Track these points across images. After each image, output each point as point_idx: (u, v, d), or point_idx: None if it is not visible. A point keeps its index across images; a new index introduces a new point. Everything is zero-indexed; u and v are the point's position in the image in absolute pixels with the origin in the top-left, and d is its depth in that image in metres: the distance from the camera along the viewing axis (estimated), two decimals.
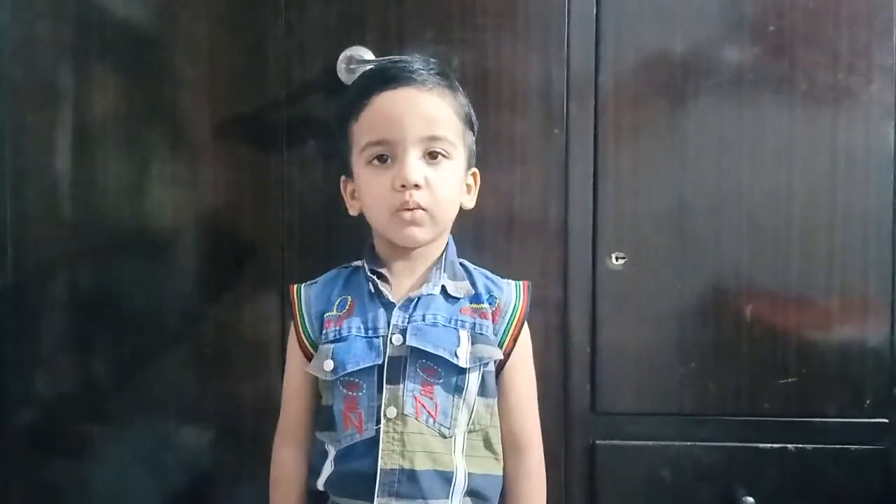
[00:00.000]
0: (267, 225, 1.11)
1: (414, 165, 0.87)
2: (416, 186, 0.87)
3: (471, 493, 0.88)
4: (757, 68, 1.09)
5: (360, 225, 0.99)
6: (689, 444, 1.09)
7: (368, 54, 1.08)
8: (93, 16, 1.12)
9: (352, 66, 1.08)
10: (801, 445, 1.09)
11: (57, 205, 1.13)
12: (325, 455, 0.90)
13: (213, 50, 1.11)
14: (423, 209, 0.88)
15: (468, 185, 0.95)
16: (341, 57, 1.08)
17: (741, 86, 1.09)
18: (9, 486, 1.15)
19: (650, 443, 1.10)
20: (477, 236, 1.07)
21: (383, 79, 0.89)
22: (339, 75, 1.08)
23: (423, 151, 0.88)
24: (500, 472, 0.91)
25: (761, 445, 1.09)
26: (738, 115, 1.09)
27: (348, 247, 1.06)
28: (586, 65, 1.09)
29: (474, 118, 0.95)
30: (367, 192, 0.91)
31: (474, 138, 0.95)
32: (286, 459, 0.94)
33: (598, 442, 1.10)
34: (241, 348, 1.12)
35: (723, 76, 1.09)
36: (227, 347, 1.12)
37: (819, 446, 1.09)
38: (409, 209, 0.87)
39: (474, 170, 0.96)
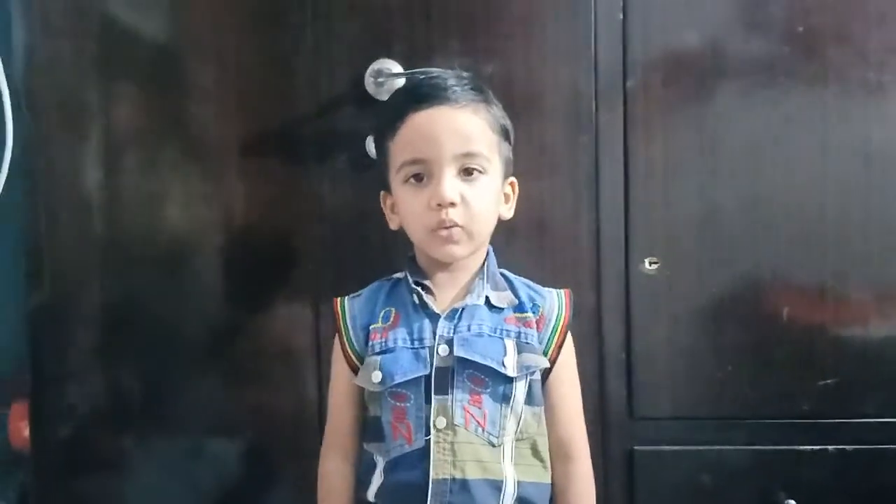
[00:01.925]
0: (298, 238, 1.12)
1: (449, 184, 0.88)
2: (452, 204, 0.88)
3: (520, 501, 0.88)
4: (787, 68, 1.08)
5: (391, 237, 1.00)
6: (727, 447, 1.09)
7: (396, 67, 1.08)
8: (121, 33, 1.13)
9: (380, 80, 1.08)
10: (841, 447, 1.08)
11: (90, 221, 1.14)
12: (373, 466, 0.91)
13: (240, 64, 1.12)
14: (460, 226, 0.88)
15: (506, 195, 0.95)
16: (369, 70, 1.08)
17: (772, 86, 1.08)
18: (48, 500, 1.16)
19: (689, 447, 1.09)
20: (509, 245, 1.06)
21: (417, 97, 0.90)
22: (368, 88, 1.08)
23: (459, 168, 0.89)
24: (549, 480, 0.92)
25: (801, 447, 1.08)
26: (769, 115, 1.08)
27: (379, 259, 1.07)
28: (614, 70, 1.09)
29: (510, 128, 0.95)
30: (405, 210, 0.92)
31: (510, 148, 0.95)
32: (334, 471, 0.94)
33: (636, 448, 1.10)
34: (273, 361, 1.13)
35: (752, 77, 1.08)
36: (260, 360, 1.13)
37: (859, 447, 1.08)
38: (445, 227, 0.88)
39: (512, 179, 0.96)
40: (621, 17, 1.08)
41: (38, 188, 1.14)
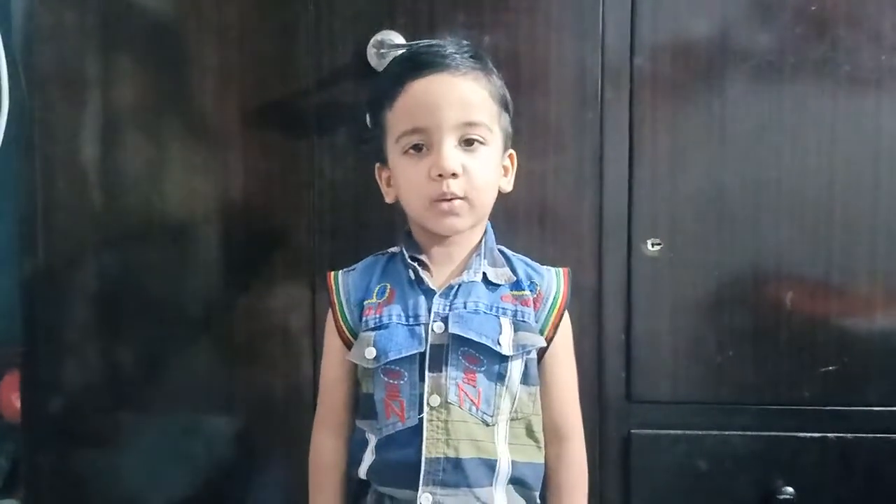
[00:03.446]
0: (297, 212, 1.11)
1: (450, 154, 0.86)
2: (454, 175, 0.86)
3: (514, 480, 0.88)
4: (797, 50, 1.06)
5: (391, 212, 0.98)
6: (726, 433, 1.08)
7: (399, 39, 1.06)
8: (120, 4, 1.12)
9: (382, 51, 1.06)
10: (841, 434, 1.07)
11: (85, 193, 1.13)
12: (365, 443, 0.90)
13: (242, 37, 1.10)
14: (461, 198, 0.87)
15: (505, 168, 0.94)
16: (372, 42, 1.07)
17: (781, 68, 1.06)
18: (39, 474, 1.15)
19: (687, 432, 1.08)
20: (510, 222, 1.05)
21: (416, 65, 0.88)
22: (370, 60, 1.07)
23: (459, 138, 0.87)
24: (543, 461, 0.91)
25: (801, 435, 1.07)
26: (777, 98, 1.07)
27: (379, 234, 1.06)
28: (621, 47, 1.07)
29: (509, 99, 0.93)
30: (403, 182, 0.90)
31: (510, 119, 0.93)
32: (325, 446, 0.94)
33: (633, 431, 1.09)
34: (271, 336, 1.12)
35: (762, 58, 1.07)
36: (257, 335, 1.12)
37: (860, 435, 1.07)
38: (446, 199, 0.86)
39: (511, 151, 0.94)
40: None
41: (34, 159, 1.12)
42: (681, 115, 1.08)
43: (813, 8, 1.06)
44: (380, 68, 1.06)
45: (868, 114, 1.07)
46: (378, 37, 1.07)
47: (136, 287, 1.13)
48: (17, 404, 1.24)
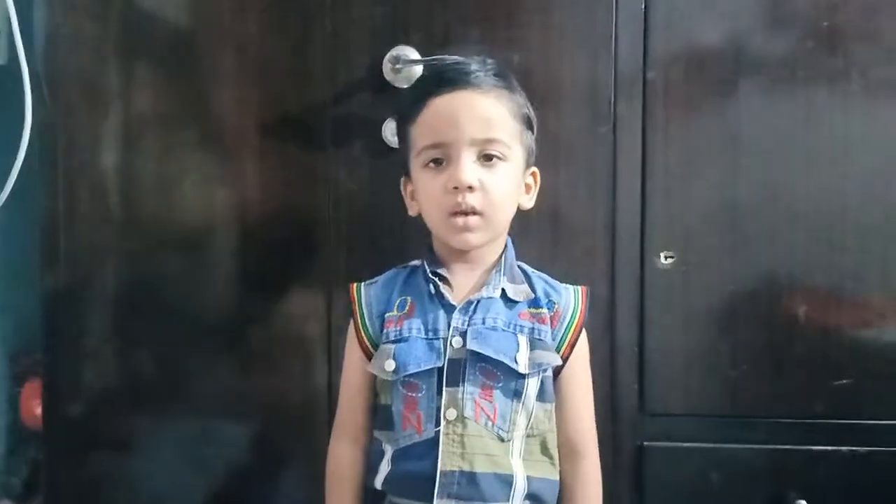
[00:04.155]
0: (313, 224, 1.12)
1: (468, 167, 0.87)
2: (470, 189, 0.87)
3: (530, 497, 0.88)
4: (810, 63, 1.07)
5: (406, 223, 0.99)
6: (740, 446, 1.08)
7: (414, 54, 1.08)
8: (141, 15, 1.13)
9: (398, 66, 1.08)
10: (855, 448, 1.07)
11: (105, 203, 1.14)
12: (381, 454, 0.91)
13: (259, 49, 1.12)
14: (477, 213, 0.88)
15: (527, 185, 0.94)
16: (387, 57, 1.08)
17: (794, 81, 1.07)
18: (60, 480, 1.16)
19: (700, 445, 1.08)
20: (523, 235, 1.05)
21: (440, 81, 0.89)
22: (385, 75, 1.08)
23: (478, 154, 0.88)
24: (558, 477, 0.91)
25: (814, 448, 1.07)
26: (790, 111, 1.07)
27: (394, 245, 1.07)
28: (634, 61, 1.07)
29: (533, 117, 0.94)
30: (423, 195, 0.91)
31: (534, 137, 0.94)
32: (343, 455, 0.94)
33: (646, 444, 1.09)
34: (286, 345, 1.13)
35: (775, 72, 1.07)
36: (274, 344, 1.13)
37: (874, 449, 1.07)
38: (462, 213, 0.87)
39: (534, 169, 0.95)
40: (643, 7, 1.07)
41: (56, 168, 1.14)
42: (693, 129, 1.08)
43: (825, 23, 1.06)
44: (395, 83, 1.08)
45: (882, 126, 1.07)
46: (394, 52, 1.08)
47: (155, 295, 1.14)
48: (38, 411, 1.26)
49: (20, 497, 1.35)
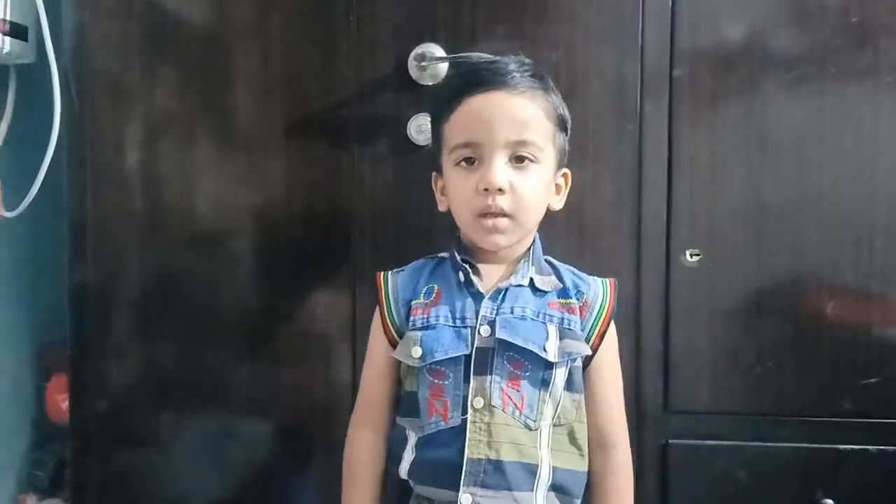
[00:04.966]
0: (338, 220, 1.12)
1: (499, 169, 0.87)
2: (500, 191, 0.87)
3: (555, 487, 0.88)
4: (838, 59, 1.06)
5: (431, 220, 1.00)
6: (766, 444, 1.08)
7: (440, 51, 1.08)
8: (167, 15, 1.14)
9: (423, 64, 1.08)
10: (882, 447, 1.06)
11: (134, 199, 1.15)
12: (404, 441, 0.91)
13: (284, 47, 1.12)
14: (507, 214, 0.88)
15: (558, 186, 0.95)
16: (413, 54, 1.08)
17: (822, 78, 1.06)
18: (86, 474, 1.17)
19: (725, 442, 1.08)
20: (550, 232, 1.04)
21: (475, 81, 0.89)
22: (411, 73, 1.08)
23: (510, 155, 0.88)
24: (585, 469, 0.91)
25: (841, 447, 1.07)
26: (818, 107, 1.06)
27: (419, 242, 1.07)
28: (661, 58, 1.07)
29: (567, 118, 0.94)
30: (453, 193, 0.92)
31: (567, 138, 0.94)
32: (361, 442, 0.95)
33: (671, 441, 1.09)
34: (311, 342, 1.13)
35: (802, 68, 1.06)
36: (298, 341, 1.14)
37: None
38: (491, 214, 0.88)
39: (565, 170, 0.95)
40: (670, 4, 1.07)
41: (84, 166, 1.15)
42: (720, 126, 1.08)
43: (854, 19, 1.06)
44: (421, 80, 1.08)
45: None
46: (419, 49, 1.08)
47: (180, 292, 1.15)
48: (64, 406, 1.28)
49: (46, 491, 1.37)
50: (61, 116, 1.15)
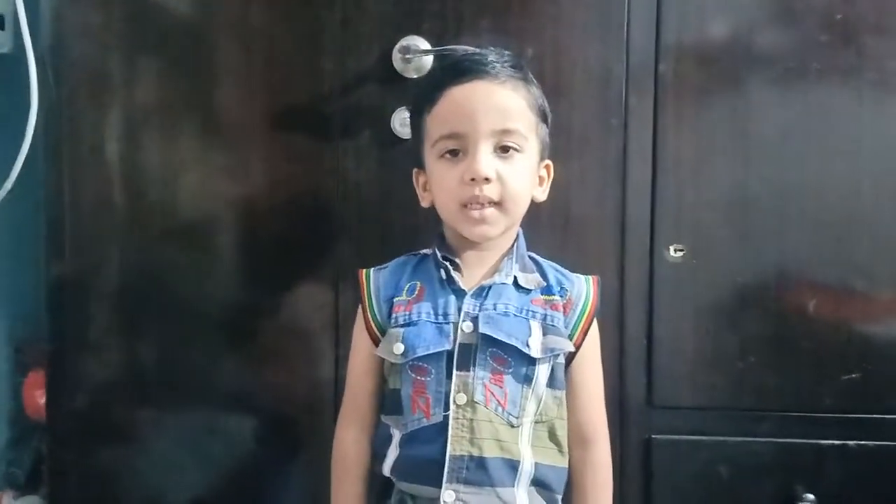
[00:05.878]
0: (321, 214, 1.11)
1: (485, 159, 0.87)
2: (487, 180, 0.87)
3: (536, 482, 0.88)
4: (823, 56, 1.07)
5: (414, 215, 0.99)
6: (747, 439, 1.08)
7: (425, 44, 1.07)
8: (146, 6, 1.13)
9: (408, 56, 1.07)
10: (862, 442, 1.07)
11: (112, 192, 1.14)
12: (389, 438, 0.91)
13: (268, 39, 1.11)
14: (494, 203, 0.88)
15: (541, 177, 0.94)
16: (397, 47, 1.07)
17: (806, 75, 1.07)
18: (63, 471, 1.16)
19: (707, 438, 1.09)
20: (534, 227, 1.04)
21: (456, 72, 0.89)
22: (395, 65, 1.08)
23: (495, 145, 0.88)
24: (565, 465, 0.91)
25: (822, 442, 1.07)
26: (802, 104, 1.07)
27: (402, 236, 1.07)
28: (646, 53, 1.07)
29: (548, 110, 0.94)
30: (438, 186, 0.91)
31: (548, 130, 0.94)
32: (349, 440, 0.94)
33: (653, 436, 1.09)
34: (293, 337, 1.13)
35: (787, 64, 1.07)
36: (280, 336, 1.13)
37: (882, 443, 1.07)
38: (478, 205, 0.87)
39: (547, 162, 0.95)
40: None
41: (61, 158, 1.13)
42: (705, 121, 1.08)
43: (839, 15, 1.06)
44: (405, 73, 1.07)
45: (893, 120, 1.07)
46: (404, 42, 1.07)
47: (160, 287, 1.14)
48: (41, 402, 1.26)
49: (23, 488, 1.35)
50: (38, 107, 1.13)
